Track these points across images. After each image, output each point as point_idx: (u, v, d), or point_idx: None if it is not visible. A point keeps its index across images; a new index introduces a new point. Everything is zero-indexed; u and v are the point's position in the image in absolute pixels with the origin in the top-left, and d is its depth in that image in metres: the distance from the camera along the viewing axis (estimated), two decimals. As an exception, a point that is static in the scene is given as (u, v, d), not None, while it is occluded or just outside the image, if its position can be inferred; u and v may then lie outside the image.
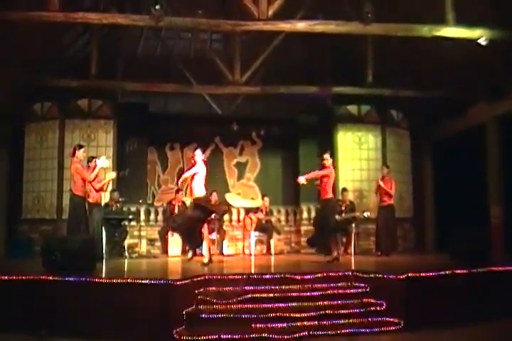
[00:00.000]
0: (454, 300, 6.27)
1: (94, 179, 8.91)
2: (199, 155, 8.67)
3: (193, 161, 8.71)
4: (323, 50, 12.99)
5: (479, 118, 11.37)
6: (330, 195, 9.01)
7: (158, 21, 7.78)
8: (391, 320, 5.99)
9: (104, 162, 9.08)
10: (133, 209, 11.71)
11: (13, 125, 12.17)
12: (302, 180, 9.07)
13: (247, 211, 12.75)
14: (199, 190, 8.52)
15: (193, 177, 8.56)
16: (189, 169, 8.77)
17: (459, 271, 6.56)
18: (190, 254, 9.44)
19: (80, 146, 9.03)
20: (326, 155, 9.16)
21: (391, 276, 6.34)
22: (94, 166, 8.97)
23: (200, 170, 8.53)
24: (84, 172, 8.74)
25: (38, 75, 10.78)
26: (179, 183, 9.46)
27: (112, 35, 12.18)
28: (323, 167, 9.15)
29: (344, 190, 11.67)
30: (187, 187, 9.60)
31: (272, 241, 12.27)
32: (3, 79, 10.39)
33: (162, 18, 7.74)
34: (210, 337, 5.41)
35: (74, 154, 8.85)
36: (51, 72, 11.09)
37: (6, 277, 6.04)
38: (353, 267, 8.01)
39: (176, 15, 8.68)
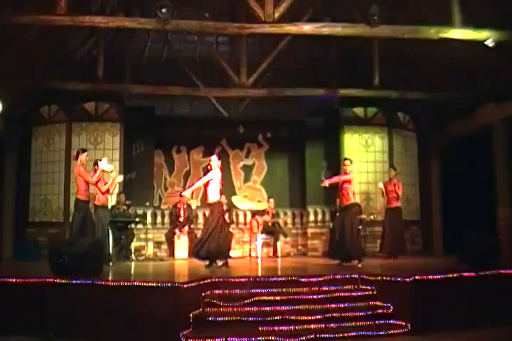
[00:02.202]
0: (462, 303, 6.24)
1: (97, 181, 8.93)
2: (215, 161, 8.74)
3: (209, 167, 8.77)
4: (330, 52, 12.97)
5: (487, 120, 11.30)
6: (352, 200, 9.02)
7: (164, 24, 7.78)
8: (398, 323, 5.99)
9: (106, 164, 9.09)
10: (140, 211, 11.74)
11: (21, 128, 12.22)
12: (326, 183, 9.10)
13: (254, 213, 12.73)
14: (214, 195, 8.60)
15: (208, 183, 8.65)
16: (204, 175, 8.83)
17: (466, 274, 6.53)
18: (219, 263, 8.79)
19: (83, 150, 9.07)
20: (347, 161, 9.20)
21: (398, 279, 6.32)
22: (97, 169, 9.00)
23: (215, 176, 8.63)
24: (86, 175, 8.77)
25: (45, 78, 10.81)
26: (189, 190, 9.27)
27: (119, 38, 12.22)
28: (344, 172, 9.18)
29: (350, 192, 11.65)
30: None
31: (279, 244, 12.27)
32: (11, 82, 10.44)
33: (169, 21, 7.74)
34: (217, 340, 5.41)
35: (77, 158, 8.89)
36: (58, 75, 11.13)
37: (14, 279, 6.06)
38: (359, 270, 7.98)
39: (183, 18, 8.66)
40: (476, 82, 10.88)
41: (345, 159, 9.48)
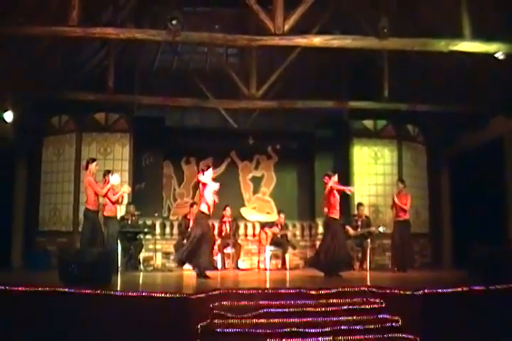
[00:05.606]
0: (473, 317, 6.17)
1: (106, 193, 8.95)
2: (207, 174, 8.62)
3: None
4: (340, 64, 13.00)
5: (497, 132, 11.25)
6: (333, 215, 8.99)
7: (175, 36, 7.82)
8: (407, 336, 5.91)
9: (117, 179, 9.14)
10: (148, 222, 11.76)
11: (32, 138, 12.29)
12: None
13: (263, 225, 12.70)
14: (204, 206, 8.46)
15: (204, 189, 8.52)
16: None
17: (477, 287, 6.46)
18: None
19: (93, 160, 9.11)
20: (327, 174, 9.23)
21: (407, 292, 6.26)
22: (107, 182, 9.02)
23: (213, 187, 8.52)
24: (96, 186, 8.80)
25: (56, 89, 10.90)
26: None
27: (129, 50, 12.31)
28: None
29: (360, 204, 11.63)
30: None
31: (287, 256, 12.20)
32: (22, 93, 10.53)
33: (179, 33, 7.78)
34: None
35: (87, 167, 8.93)
36: (69, 86, 11.21)
37: (22, 288, 6.06)
38: (368, 282, 7.93)
39: (193, 30, 8.71)
40: (486, 93, 10.85)
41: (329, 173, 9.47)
